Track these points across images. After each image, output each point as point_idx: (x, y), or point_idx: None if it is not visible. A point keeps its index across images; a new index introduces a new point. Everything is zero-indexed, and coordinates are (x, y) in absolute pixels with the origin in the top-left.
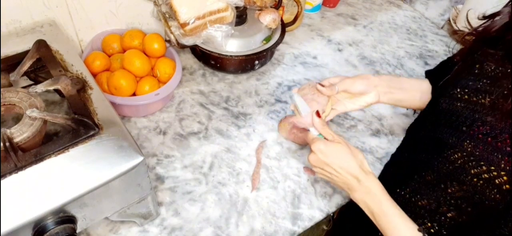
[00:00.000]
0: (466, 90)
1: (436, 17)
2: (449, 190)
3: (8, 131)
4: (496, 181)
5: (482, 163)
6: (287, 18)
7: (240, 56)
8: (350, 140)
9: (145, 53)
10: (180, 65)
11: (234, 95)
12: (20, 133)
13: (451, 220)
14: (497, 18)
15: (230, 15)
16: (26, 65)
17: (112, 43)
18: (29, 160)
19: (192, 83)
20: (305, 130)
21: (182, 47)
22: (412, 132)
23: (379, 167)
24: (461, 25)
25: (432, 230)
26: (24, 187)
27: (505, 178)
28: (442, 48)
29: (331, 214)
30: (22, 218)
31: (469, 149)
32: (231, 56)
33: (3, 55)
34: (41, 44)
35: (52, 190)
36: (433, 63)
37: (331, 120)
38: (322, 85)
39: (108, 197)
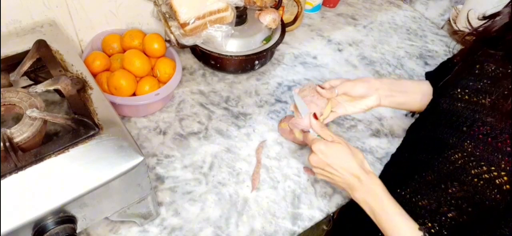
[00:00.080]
0: (467, 91)
1: (436, 17)
2: (450, 191)
3: (8, 131)
4: (497, 181)
5: (482, 163)
6: (287, 18)
7: (240, 56)
8: (350, 140)
9: (145, 53)
10: (180, 65)
11: (234, 95)
12: (20, 133)
13: (451, 220)
14: (497, 18)
15: (230, 15)
16: (26, 65)
17: (112, 43)
18: (29, 160)
19: (192, 83)
20: (305, 131)
21: (182, 47)
22: (412, 132)
23: (379, 167)
24: (461, 25)
25: (432, 230)
26: (24, 187)
27: (505, 178)
28: (442, 48)
29: (331, 214)
30: (22, 218)
31: (469, 150)
32: (231, 56)
33: (3, 55)
34: (41, 44)
35: (52, 190)
36: (433, 63)
37: (332, 121)
38: (322, 87)
39: (108, 197)
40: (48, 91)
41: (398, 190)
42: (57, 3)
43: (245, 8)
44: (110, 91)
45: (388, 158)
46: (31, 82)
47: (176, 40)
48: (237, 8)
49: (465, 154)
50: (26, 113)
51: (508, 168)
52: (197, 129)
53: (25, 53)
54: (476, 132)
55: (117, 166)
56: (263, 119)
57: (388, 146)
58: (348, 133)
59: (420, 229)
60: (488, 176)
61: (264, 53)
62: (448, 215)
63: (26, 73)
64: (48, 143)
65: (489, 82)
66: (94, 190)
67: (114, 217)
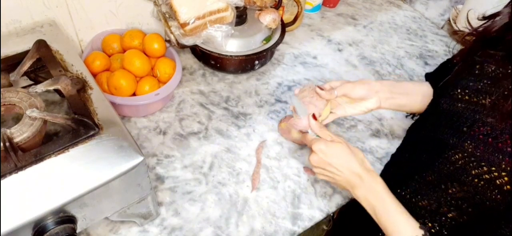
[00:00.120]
0: (467, 91)
1: (436, 17)
2: (450, 191)
3: (8, 131)
4: (497, 181)
5: (483, 163)
6: (287, 18)
7: (240, 56)
8: (350, 140)
9: (145, 53)
10: (180, 65)
11: (234, 95)
12: (20, 133)
13: (451, 220)
14: (497, 18)
15: (230, 15)
16: (26, 65)
17: (112, 43)
18: (29, 160)
19: (192, 83)
20: (304, 132)
21: (182, 47)
22: (412, 133)
23: (379, 167)
24: (461, 25)
25: (433, 231)
26: (24, 187)
27: (506, 178)
28: (442, 48)
29: (331, 214)
30: (22, 218)
31: (470, 150)
32: (231, 56)
33: (3, 55)
34: (41, 44)
35: (52, 190)
36: (433, 63)
37: (331, 121)
38: (322, 88)
39: (108, 197)
40: (48, 91)
41: (398, 190)
42: (57, 3)
43: (245, 8)
44: (110, 91)
45: (388, 158)
46: (31, 82)
47: (176, 40)
48: (237, 8)
49: (465, 154)
50: (26, 113)
51: (508, 168)
52: (197, 129)
53: (25, 53)
54: (476, 132)
55: (117, 166)
56: (263, 119)
57: (388, 146)
58: (348, 133)
59: (421, 227)
60: (488, 177)
61: (264, 53)
62: (448, 215)
63: (26, 73)
64: (48, 143)
65: (489, 82)
66: (94, 190)
67: (114, 217)
